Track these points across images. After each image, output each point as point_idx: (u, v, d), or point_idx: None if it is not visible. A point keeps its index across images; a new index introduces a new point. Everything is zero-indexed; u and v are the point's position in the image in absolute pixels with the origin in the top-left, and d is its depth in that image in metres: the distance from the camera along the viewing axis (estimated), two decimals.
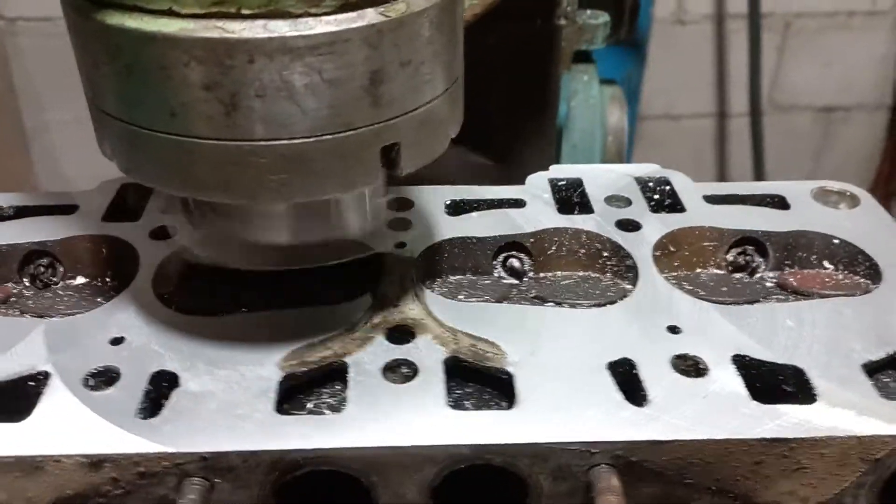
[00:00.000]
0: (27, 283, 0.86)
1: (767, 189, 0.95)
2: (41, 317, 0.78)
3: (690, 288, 0.83)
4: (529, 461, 0.63)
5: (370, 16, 0.55)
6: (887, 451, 0.63)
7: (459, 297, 0.82)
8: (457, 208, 0.93)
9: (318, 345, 0.72)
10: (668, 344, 0.71)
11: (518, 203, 0.93)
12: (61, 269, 0.87)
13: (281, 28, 0.53)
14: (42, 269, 0.86)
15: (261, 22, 0.53)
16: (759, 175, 3.30)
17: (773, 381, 0.70)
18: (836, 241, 0.86)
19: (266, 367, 0.69)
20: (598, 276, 0.87)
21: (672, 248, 0.88)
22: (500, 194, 0.95)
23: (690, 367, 0.70)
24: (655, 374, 0.68)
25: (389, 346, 0.72)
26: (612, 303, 0.78)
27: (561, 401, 0.66)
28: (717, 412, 0.64)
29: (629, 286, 0.82)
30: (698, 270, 0.89)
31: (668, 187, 0.97)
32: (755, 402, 0.65)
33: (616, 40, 2.17)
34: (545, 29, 1.42)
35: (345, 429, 0.63)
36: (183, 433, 0.63)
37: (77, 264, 0.87)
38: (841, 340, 0.72)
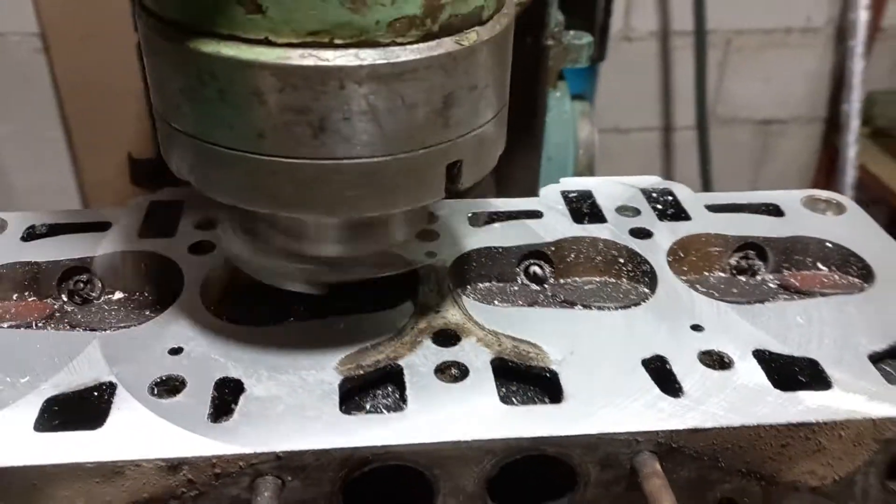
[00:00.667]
0: (65, 299, 0.88)
1: (762, 198, 1.03)
2: (93, 330, 0.80)
3: (704, 290, 0.90)
4: (581, 451, 0.68)
5: (447, 45, 0.60)
6: (894, 432, 0.70)
7: (494, 302, 0.87)
8: (479, 220, 0.98)
9: (371, 349, 0.76)
10: (694, 341, 0.78)
11: (535, 214, 0.99)
12: (100, 284, 0.89)
13: (371, 56, 0.57)
14: (81, 284, 0.88)
15: (352, 51, 0.57)
16: (705, 185, 3.44)
17: (790, 373, 0.77)
18: (829, 245, 0.94)
19: (326, 371, 0.73)
20: (615, 281, 0.93)
21: (682, 254, 0.95)
22: (517, 206, 1.00)
23: (717, 361, 0.76)
24: (686, 369, 0.74)
25: (437, 349, 0.76)
26: (636, 304, 0.84)
27: (604, 395, 0.71)
28: (747, 401, 0.71)
29: (646, 290, 0.88)
30: (706, 274, 0.95)
31: (671, 198, 1.03)
32: (777, 391, 0.72)
33: (590, 60, 2.26)
34: (534, 48, 1.49)
35: (409, 426, 0.67)
36: (256, 434, 0.66)
37: (116, 280, 0.89)
38: (848, 334, 0.79)
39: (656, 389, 0.72)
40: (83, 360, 0.74)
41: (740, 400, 0.71)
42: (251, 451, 0.65)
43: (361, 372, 0.74)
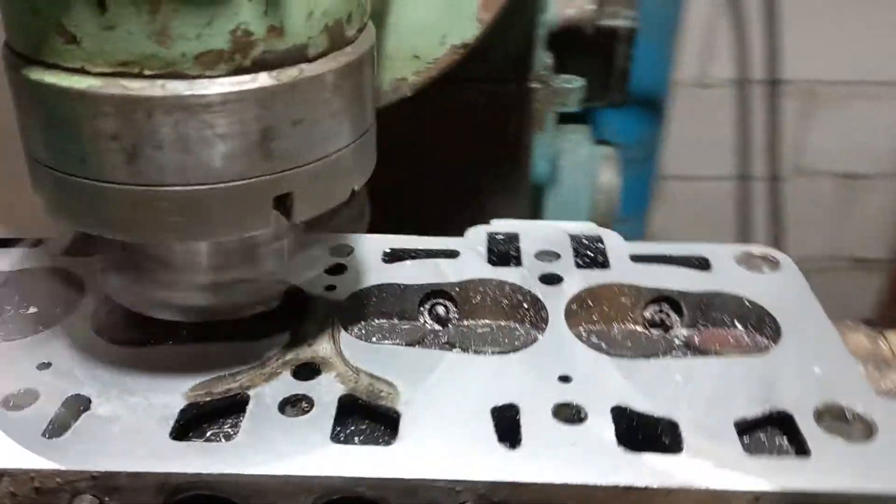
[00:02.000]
0: None
1: (693, 251, 0.99)
2: None
3: (597, 342, 0.86)
4: (397, 495, 0.66)
5: (262, 79, 0.62)
6: None
7: (372, 339, 0.86)
8: (394, 257, 0.98)
9: (228, 377, 0.77)
10: (556, 392, 0.75)
11: (452, 254, 0.98)
12: (17, 298, 0.94)
13: (177, 88, 0.59)
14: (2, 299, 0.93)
15: (159, 82, 0.59)
16: (778, 239, 3.31)
17: (648, 433, 0.73)
18: (746, 304, 0.89)
19: (173, 395, 0.74)
20: (516, 325, 0.91)
21: (591, 303, 0.91)
22: (437, 245, 1.00)
23: (572, 415, 0.73)
24: (536, 420, 0.71)
25: (293, 381, 0.76)
26: (516, 350, 0.82)
27: (438, 440, 0.69)
28: (584, 459, 0.67)
29: (541, 336, 0.86)
30: (615, 325, 0.92)
31: (599, 245, 1.00)
32: (621, 451, 0.68)
33: (608, 103, 2.24)
34: (518, 91, 1.49)
35: (229, 456, 0.67)
36: (80, 453, 0.68)
37: (30, 295, 0.93)
38: (723, 397, 0.74)
39: (494, 439, 0.69)
40: None
41: (578, 457, 0.67)
42: (66, 469, 0.66)
43: (209, 398, 0.75)
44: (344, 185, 0.71)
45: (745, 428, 0.73)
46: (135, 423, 0.71)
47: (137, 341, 0.83)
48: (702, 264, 0.97)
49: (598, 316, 0.92)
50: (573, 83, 1.54)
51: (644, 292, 0.92)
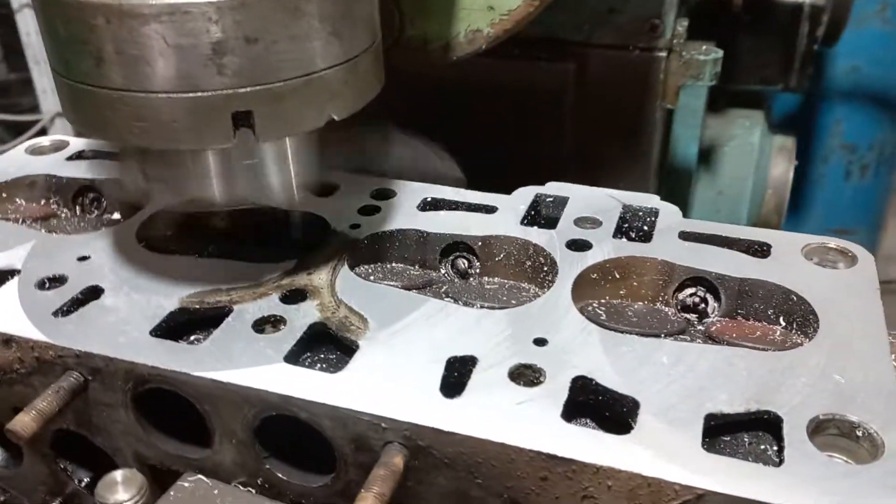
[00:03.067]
0: (78, 211, 1.05)
1: (757, 236, 0.88)
2: (51, 233, 0.95)
3: (599, 313, 0.80)
4: (330, 424, 0.66)
5: None
6: (680, 501, 0.57)
7: (372, 278, 0.86)
8: (431, 206, 0.97)
9: (223, 291, 0.81)
10: (523, 353, 0.70)
11: (489, 209, 0.95)
12: (105, 204, 1.05)
13: None
14: (88, 202, 1.05)
15: None
16: None
17: (603, 409, 0.66)
18: (793, 298, 0.78)
19: (170, 299, 0.80)
20: (530, 286, 0.87)
21: (618, 275, 0.85)
22: (478, 199, 0.97)
23: (529, 377, 0.68)
24: (489, 377, 0.68)
25: (277, 303, 0.78)
26: (503, 308, 0.78)
27: (382, 379, 0.68)
28: (519, 421, 0.63)
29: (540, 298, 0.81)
30: (641, 303, 0.84)
31: (652, 218, 0.92)
32: (561, 420, 0.63)
33: (785, 87, 2.03)
34: (643, 60, 1.39)
35: (188, 358, 0.71)
36: (74, 334, 0.75)
37: (117, 200, 1.04)
38: (708, 387, 0.66)
39: (436, 385, 0.67)
40: (14, 251, 0.88)
41: (514, 418, 0.63)
42: (57, 344, 0.74)
43: (198, 307, 0.79)
44: (316, 112, 0.71)
45: (724, 425, 0.64)
46: (127, 316, 0.77)
47: (168, 250, 0.90)
48: (761, 251, 0.86)
49: (626, 290, 0.85)
50: (708, 54, 1.41)
51: (679, 271, 0.83)
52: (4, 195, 1.05)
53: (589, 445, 0.60)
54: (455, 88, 1.40)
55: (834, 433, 0.63)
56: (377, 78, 0.79)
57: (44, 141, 1.16)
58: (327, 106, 0.71)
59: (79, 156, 1.12)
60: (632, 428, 0.62)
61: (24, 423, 0.68)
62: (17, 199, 1.06)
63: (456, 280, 0.90)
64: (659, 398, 0.65)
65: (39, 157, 1.12)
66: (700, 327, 0.80)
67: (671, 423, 0.62)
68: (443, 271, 0.91)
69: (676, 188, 1.85)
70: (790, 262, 0.83)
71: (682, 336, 0.77)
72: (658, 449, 0.60)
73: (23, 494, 0.89)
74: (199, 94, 0.65)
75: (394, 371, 0.69)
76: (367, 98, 0.77)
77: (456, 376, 0.69)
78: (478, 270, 0.90)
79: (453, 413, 0.64)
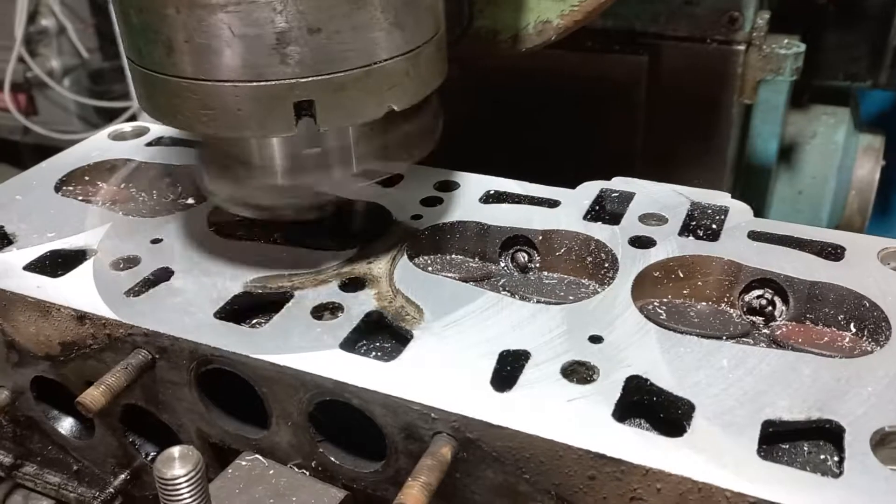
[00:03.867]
0: (150, 196, 1.09)
1: (830, 238, 0.84)
2: (127, 216, 0.99)
3: (659, 312, 0.78)
4: (381, 411, 0.67)
5: None
6: None
7: (430, 269, 0.87)
8: (494, 198, 0.97)
9: (286, 277, 0.83)
10: (578, 349, 0.70)
11: (553, 203, 0.94)
12: (180, 188, 1.09)
13: None
14: (164, 187, 1.09)
15: None
16: None
17: (664, 413, 0.65)
18: (866, 304, 0.74)
19: (236, 283, 0.82)
20: (590, 283, 0.86)
21: (682, 275, 0.83)
22: (542, 193, 0.96)
23: (582, 374, 0.67)
24: (541, 372, 0.67)
25: (337, 291, 0.80)
26: (560, 303, 0.77)
27: (434, 369, 0.69)
28: (570, 418, 0.62)
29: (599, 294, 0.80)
30: (705, 303, 0.82)
31: (721, 216, 0.90)
32: (612, 420, 0.62)
33: (874, 84, 1.94)
34: (720, 52, 1.35)
35: (247, 340, 0.73)
36: (143, 313, 0.78)
37: (191, 187, 1.08)
38: (768, 393, 0.64)
39: (488, 379, 0.67)
40: (91, 232, 0.93)
41: (565, 415, 0.63)
42: (127, 322, 0.77)
43: (261, 291, 0.81)
44: (377, 103, 0.71)
45: (783, 433, 0.62)
46: (194, 298, 0.80)
47: (237, 236, 0.92)
48: (834, 254, 0.82)
49: (689, 290, 0.83)
50: (790, 48, 1.35)
51: (746, 271, 0.81)
52: (87, 178, 1.10)
53: (639, 446, 0.59)
54: (525, 81, 1.39)
55: None
56: (439, 69, 0.79)
57: (126, 127, 1.21)
58: (387, 96, 0.72)
59: (158, 142, 1.16)
60: (685, 431, 0.61)
61: (93, 396, 0.72)
62: (99, 182, 1.11)
63: (515, 274, 0.90)
64: (715, 402, 0.63)
65: (121, 142, 1.17)
66: (765, 331, 0.78)
67: (726, 427, 0.61)
68: (502, 265, 0.91)
69: (754, 186, 1.79)
70: (865, 266, 0.79)
71: (744, 339, 0.75)
72: (711, 453, 0.58)
73: (94, 465, 0.93)
74: (264, 83, 0.66)
75: (446, 362, 0.69)
76: (428, 89, 0.77)
77: (508, 370, 0.68)
78: (538, 265, 0.90)
79: (503, 407, 0.64)
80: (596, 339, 0.71)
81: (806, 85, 1.93)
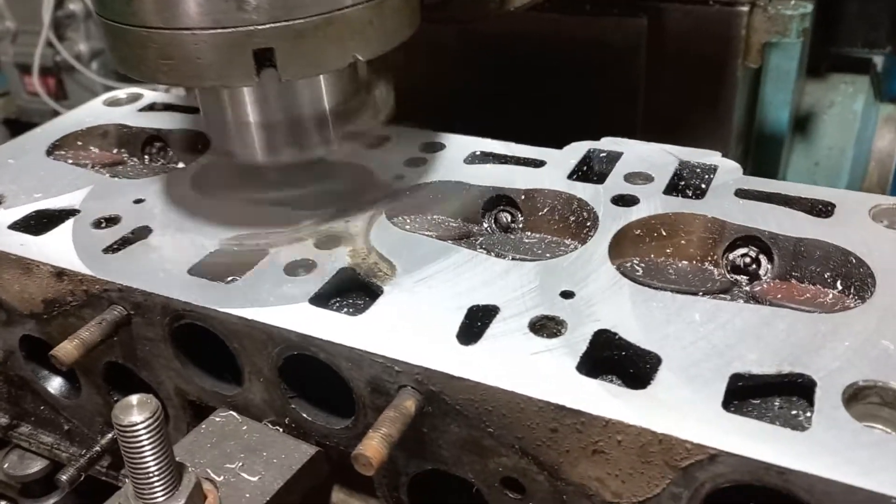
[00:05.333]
0: (141, 160, 1.09)
1: (821, 195, 0.81)
2: (115, 177, 0.99)
3: (636, 269, 0.77)
4: (347, 365, 0.67)
5: None
6: (692, 460, 0.54)
7: (408, 227, 0.85)
8: (479, 159, 0.95)
9: (262, 234, 0.82)
10: (547, 304, 0.68)
11: (538, 163, 0.92)
12: (171, 153, 1.09)
13: None
14: (155, 150, 1.09)
15: None
16: None
17: (631, 366, 0.63)
18: (852, 260, 0.72)
19: (212, 240, 0.82)
20: (572, 242, 0.84)
21: (664, 233, 0.81)
22: (527, 153, 0.95)
23: (551, 328, 0.66)
24: (508, 326, 0.66)
25: (311, 248, 0.79)
26: (536, 260, 0.76)
27: (400, 322, 0.68)
28: (533, 371, 0.61)
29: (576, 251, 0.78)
30: (687, 262, 0.80)
31: (709, 175, 0.88)
32: (576, 373, 0.61)
33: (894, 52, 1.89)
34: (722, 14, 1.31)
35: (217, 295, 0.73)
36: (118, 270, 0.78)
37: (183, 151, 1.08)
38: (737, 346, 0.62)
39: (454, 332, 0.66)
40: (77, 193, 0.93)
41: (528, 368, 0.62)
42: (102, 278, 0.77)
43: (236, 248, 0.81)
44: (340, 52, 0.70)
45: (754, 387, 0.60)
46: (170, 255, 0.80)
47: (217, 195, 0.92)
48: (825, 211, 0.80)
49: (672, 249, 0.81)
50: (796, 9, 1.31)
51: (730, 229, 0.79)
52: (80, 143, 1.11)
53: (600, 398, 0.58)
54: (522, 46, 1.37)
55: (875, 402, 0.58)
56: (409, 21, 0.77)
57: (120, 94, 1.22)
58: (350, 45, 0.71)
59: (150, 108, 1.16)
60: (648, 383, 0.59)
61: (66, 350, 0.72)
62: (91, 147, 1.11)
63: (496, 234, 0.88)
64: (683, 355, 0.62)
65: (115, 108, 1.17)
66: (746, 288, 0.75)
67: (692, 380, 0.59)
68: (485, 225, 0.89)
69: (767, 157, 1.75)
70: (855, 222, 0.76)
71: (722, 295, 0.73)
72: (673, 406, 0.57)
73: (82, 424, 0.94)
74: (221, 30, 0.66)
75: (413, 316, 0.68)
76: (395, 41, 0.76)
77: (476, 326, 0.67)
78: (521, 225, 0.88)
79: (466, 360, 0.63)
80: (567, 295, 0.69)
81: (824, 53, 1.88)
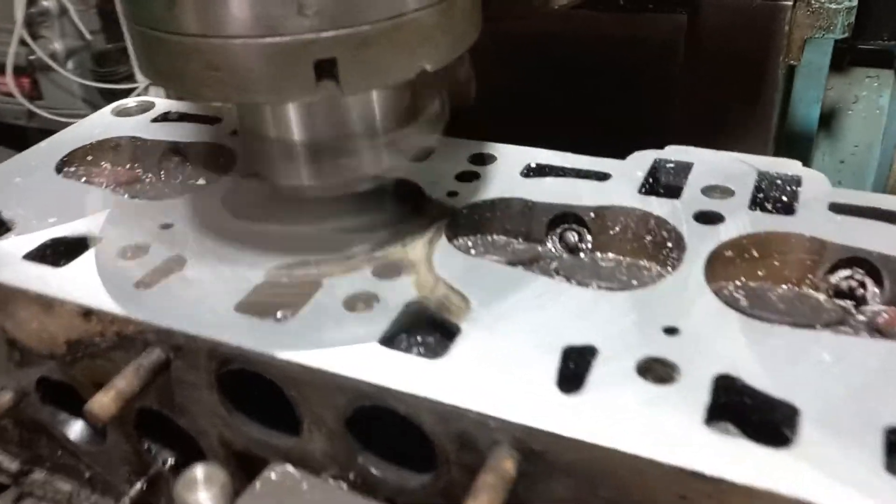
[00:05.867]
0: (158, 176, 1.00)
1: None
2: (134, 198, 0.90)
3: (738, 297, 0.69)
4: (431, 419, 0.59)
5: None
6: None
7: (473, 251, 0.78)
8: (536, 172, 0.88)
9: (312, 263, 0.74)
10: (653, 343, 0.61)
11: (602, 176, 0.85)
12: (189, 168, 1.00)
13: None
14: (172, 166, 1.00)
15: None
16: None
17: (759, 416, 0.56)
18: None
19: (256, 271, 0.73)
20: (652, 265, 0.77)
21: (756, 254, 0.74)
22: (588, 165, 0.87)
23: (660, 372, 0.59)
24: (612, 370, 0.59)
25: (370, 278, 0.71)
26: (624, 289, 0.68)
27: (487, 366, 0.60)
28: (654, 427, 0.54)
29: (666, 278, 0.71)
30: (786, 286, 0.73)
31: (793, 187, 0.80)
32: (706, 429, 0.53)
33: None
34: (765, 9, 1.24)
35: (275, 337, 0.65)
36: (155, 308, 0.69)
37: (201, 165, 0.99)
38: (881, 392, 0.55)
39: (553, 380, 0.58)
40: (93, 217, 0.84)
41: (648, 424, 0.54)
42: (137, 319, 0.68)
43: (285, 280, 0.72)
44: (406, 61, 0.62)
45: None
46: (211, 289, 0.71)
47: (254, 217, 0.83)
48: None
49: (765, 271, 0.74)
50: (840, 3, 1.24)
51: (831, 249, 0.71)
52: (90, 158, 1.02)
53: (739, 461, 0.50)
54: (556, 46, 1.29)
55: None
56: (474, 24, 0.69)
57: (129, 102, 1.12)
58: (419, 53, 0.63)
59: (164, 118, 1.07)
60: (789, 440, 0.52)
61: (102, 404, 0.64)
62: (103, 163, 1.02)
63: (564, 255, 0.81)
64: (822, 404, 0.54)
65: (125, 118, 1.08)
66: (860, 317, 0.68)
67: (839, 435, 0.52)
68: (549, 245, 0.82)
69: (795, 156, 1.68)
70: None
71: (841, 328, 0.66)
72: (827, 468, 0.49)
73: (107, 472, 0.86)
74: (278, 38, 0.57)
75: (501, 360, 0.61)
76: (462, 47, 0.68)
77: (573, 368, 0.60)
78: (589, 245, 0.81)
79: (573, 413, 0.55)
80: (671, 331, 0.62)
81: (848, 46, 1.82)
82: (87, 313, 0.71)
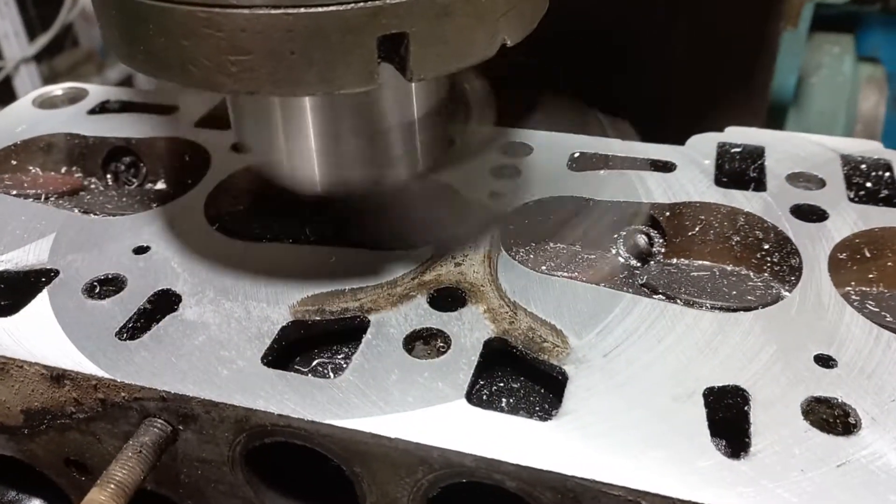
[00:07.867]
0: (106, 182, 0.81)
1: None
2: (103, 215, 0.72)
3: (877, 310, 0.59)
4: (552, 496, 0.45)
5: None
6: None
7: (542, 268, 0.64)
8: (584, 163, 0.74)
9: (347, 293, 0.58)
10: (809, 379, 0.49)
11: (666, 166, 0.72)
12: (144, 170, 0.82)
13: None
14: (123, 167, 0.81)
15: None
16: None
17: None
18: None
19: (277, 307, 0.57)
20: (749, 273, 0.65)
21: (868, 254, 0.63)
22: (645, 153, 0.75)
23: (834, 418, 0.47)
24: (775, 418, 0.47)
25: (428, 310, 0.56)
26: (748, 309, 0.56)
27: (620, 426, 0.47)
28: (852, 492, 0.42)
29: (787, 292, 0.59)
30: None
31: (886, 173, 0.70)
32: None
33: (885, 8, 1.80)
34: None
35: (329, 399, 0.49)
36: (152, 365, 0.53)
37: (159, 167, 0.81)
38: None
39: (706, 437, 0.46)
40: (44, 242, 0.65)
41: (844, 486, 0.42)
42: (131, 383, 0.51)
43: (319, 318, 0.57)
44: (488, 35, 0.47)
45: None
46: (224, 336, 0.55)
47: (252, 235, 0.67)
48: None
49: (878, 273, 0.63)
50: None
51: None
52: (14, 162, 0.82)
53: None
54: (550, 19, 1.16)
55: None
56: None
57: (55, 90, 0.92)
58: (501, 25, 0.48)
59: (102, 108, 0.87)
60: None
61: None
62: (31, 167, 0.82)
63: (634, 263, 0.68)
64: None
65: (52, 110, 0.88)
66: None
67: None
68: (613, 251, 0.69)
69: (771, 126, 1.62)
70: None
71: None
72: None
73: None
74: (335, 7, 0.41)
75: (633, 414, 0.48)
76: (538, 16, 0.54)
77: (724, 419, 0.47)
78: (662, 249, 0.68)
79: (749, 484, 0.43)
80: (826, 362, 0.50)
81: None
82: (59, 377, 0.53)
